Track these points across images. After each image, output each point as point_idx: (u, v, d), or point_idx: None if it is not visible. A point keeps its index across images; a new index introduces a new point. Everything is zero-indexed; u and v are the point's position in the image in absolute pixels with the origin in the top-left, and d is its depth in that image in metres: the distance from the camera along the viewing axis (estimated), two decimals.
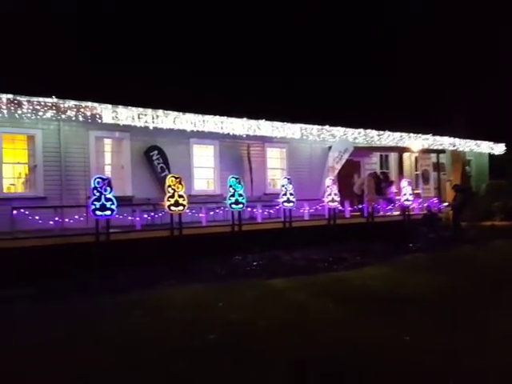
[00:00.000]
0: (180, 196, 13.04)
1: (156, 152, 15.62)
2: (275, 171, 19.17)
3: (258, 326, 7.02)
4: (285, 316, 7.60)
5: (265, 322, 7.21)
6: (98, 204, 11.83)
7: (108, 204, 11.94)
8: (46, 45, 17.96)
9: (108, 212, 11.94)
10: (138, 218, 13.20)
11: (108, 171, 15.25)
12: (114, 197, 11.98)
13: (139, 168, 15.35)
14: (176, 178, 13.06)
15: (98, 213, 11.83)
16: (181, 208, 13.03)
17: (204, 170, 17.20)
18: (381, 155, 22.09)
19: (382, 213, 18.82)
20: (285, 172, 19.21)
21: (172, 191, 12.94)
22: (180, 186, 13.05)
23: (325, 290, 9.46)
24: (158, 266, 11.52)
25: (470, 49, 25.18)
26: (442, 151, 21.97)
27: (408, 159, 22.04)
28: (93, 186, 11.80)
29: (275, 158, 19.21)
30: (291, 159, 19.39)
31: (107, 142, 15.31)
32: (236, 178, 14.26)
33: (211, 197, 16.65)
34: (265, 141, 18.29)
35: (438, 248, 15.04)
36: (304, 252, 13.39)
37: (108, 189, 11.97)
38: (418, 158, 21.38)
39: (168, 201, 12.88)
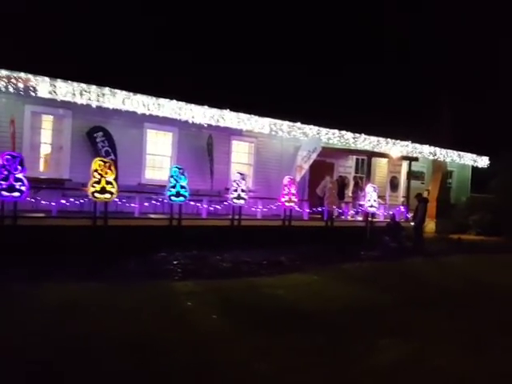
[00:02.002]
0: (108, 182, 10.75)
1: (101, 134, 13.29)
2: (241, 166, 16.76)
3: (96, 339, 5.23)
4: (147, 327, 5.87)
5: (113, 334, 5.45)
6: (4, 184, 9.59)
7: (17, 185, 9.70)
8: None
9: (16, 193, 9.72)
10: (54, 204, 10.87)
11: (45, 151, 12.98)
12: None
13: (80, 150, 13.02)
14: (105, 163, 10.79)
15: (4, 193, 9.60)
16: (108, 196, 10.75)
17: (159, 159, 14.84)
18: (357, 159, 19.66)
19: (343, 217, 16.45)
20: (252, 168, 16.90)
21: (99, 176, 10.65)
22: (109, 171, 10.77)
23: (226, 297, 7.61)
24: (69, 259, 9.27)
25: (463, 57, 22.67)
26: (415, 159, 19.49)
27: (385, 165, 19.48)
28: (0, 163, 9.56)
29: (242, 153, 16.84)
30: (260, 155, 17.02)
31: (46, 118, 12.99)
32: (179, 169, 11.97)
33: (163, 187, 14.26)
34: (231, 133, 15.91)
35: (389, 258, 13.09)
36: (240, 253, 11.25)
37: (19, 167, 9.72)
38: (388, 164, 18.89)
39: (92, 187, 10.59)
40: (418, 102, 23.65)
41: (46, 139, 13.02)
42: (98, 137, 13.26)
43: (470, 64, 23.12)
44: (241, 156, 16.76)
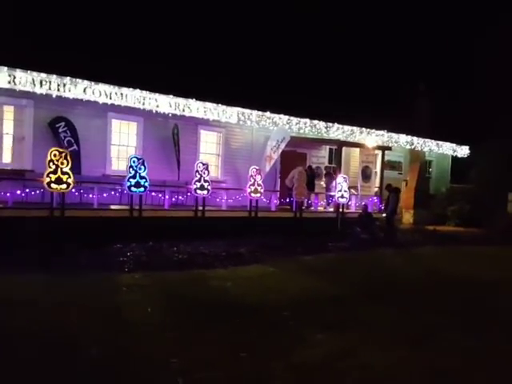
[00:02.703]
0: (64, 173, 10.91)
1: (63, 124, 13.40)
2: (210, 156, 16.96)
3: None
4: (71, 322, 5.90)
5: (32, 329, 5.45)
6: None
7: None
8: None
9: None
10: (8, 194, 11.04)
11: (7, 141, 13.12)
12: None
13: (42, 140, 13.06)
14: (60, 153, 10.91)
15: None
16: (64, 186, 10.90)
17: (124, 149, 14.99)
18: (330, 149, 19.88)
19: (313, 208, 16.71)
20: (220, 158, 17.09)
21: (54, 167, 10.81)
22: (65, 161, 10.91)
23: (169, 290, 7.72)
24: (22, 251, 9.40)
25: (441, 43, 22.92)
26: (388, 148, 19.73)
27: (360, 155, 19.67)
28: None
29: (210, 143, 17.00)
30: (229, 145, 17.18)
31: (7, 109, 13.07)
32: (138, 159, 12.13)
33: None
34: (198, 123, 16.05)
35: (357, 249, 13.23)
36: (200, 245, 11.38)
37: None
38: (360, 154, 19.12)
39: (48, 177, 10.75)
40: (394, 90, 23.90)
41: (8, 130, 13.13)
42: (60, 127, 13.36)
43: (448, 50, 23.39)
44: (209, 146, 16.92)
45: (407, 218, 22.23)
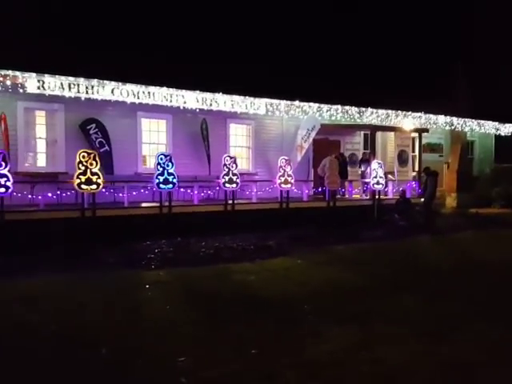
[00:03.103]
0: (94, 173, 11.15)
1: (94, 125, 13.65)
2: (240, 149, 16.92)
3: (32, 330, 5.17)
4: (93, 319, 6.04)
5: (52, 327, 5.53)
6: None
7: (2, 181, 10.21)
8: None
9: (2, 189, 10.21)
10: (40, 197, 11.38)
11: (40, 145, 13.52)
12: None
13: (74, 142, 13.34)
14: (89, 154, 11.16)
15: None
16: (94, 187, 11.14)
17: (154, 147, 15.14)
18: (365, 134, 19.37)
19: (347, 196, 16.37)
20: (251, 151, 17.00)
21: (83, 168, 11.06)
22: (94, 162, 11.16)
23: (192, 285, 7.73)
24: (54, 251, 9.74)
25: (479, 20, 21.79)
26: (425, 130, 19.00)
27: (395, 139, 19.04)
28: None
29: (240, 136, 16.92)
30: (259, 137, 17.02)
31: (40, 113, 13.45)
32: (166, 156, 12.22)
33: None
34: (226, 116, 16.00)
35: (393, 237, 12.88)
36: (229, 239, 11.35)
37: (3, 163, 10.23)
38: (395, 138, 18.50)
39: (78, 178, 11.02)
40: (430, 71, 23.02)
41: (41, 134, 13.53)
42: (91, 129, 13.62)
43: (485, 24, 22.25)
44: (239, 139, 16.84)
45: (450, 201, 21.47)
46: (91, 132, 13.63)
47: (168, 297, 7.07)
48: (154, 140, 15.16)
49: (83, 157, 11.03)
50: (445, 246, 12.09)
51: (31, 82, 12.32)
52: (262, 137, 17.06)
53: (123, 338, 5.44)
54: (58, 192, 11.90)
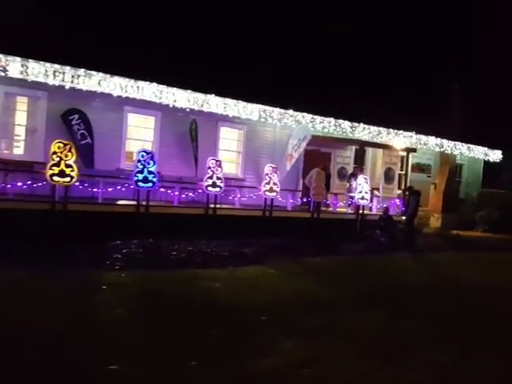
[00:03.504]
0: (68, 166, 10.14)
1: (77, 116, 12.67)
2: (230, 154, 15.97)
3: None
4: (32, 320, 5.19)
5: None
6: None
7: None
8: None
9: None
10: (9, 186, 10.36)
11: (19, 133, 12.49)
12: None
13: (55, 132, 12.25)
14: (65, 145, 10.18)
15: None
16: (67, 179, 10.14)
17: (140, 143, 14.14)
18: (356, 149, 18.50)
19: (331, 209, 15.49)
20: (241, 156, 16.07)
21: (58, 159, 10.06)
22: (69, 153, 10.16)
23: (152, 290, 6.98)
24: (19, 245, 8.71)
25: (475, 44, 21.10)
26: (413, 150, 18.22)
27: (383, 156, 18.18)
28: None
29: (231, 140, 16.00)
30: (250, 142, 16.13)
31: (21, 100, 12.45)
32: (148, 153, 11.25)
33: None
34: (218, 119, 15.09)
35: (372, 253, 12.24)
36: (206, 243, 10.48)
37: None
38: (382, 155, 17.68)
39: (51, 169, 10.01)
40: (425, 92, 22.26)
41: (20, 121, 12.51)
42: (73, 119, 12.65)
43: (481, 50, 21.55)
44: (229, 143, 15.93)
45: (434, 221, 20.68)
46: (73, 123, 12.67)
47: (122, 300, 6.31)
48: (140, 136, 14.23)
49: (58, 147, 10.08)
50: (421, 265, 11.52)
51: (14, 65, 11.38)
52: (253, 143, 16.16)
53: (58, 340, 4.72)
54: (29, 182, 10.82)
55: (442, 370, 4.69)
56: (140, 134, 14.24)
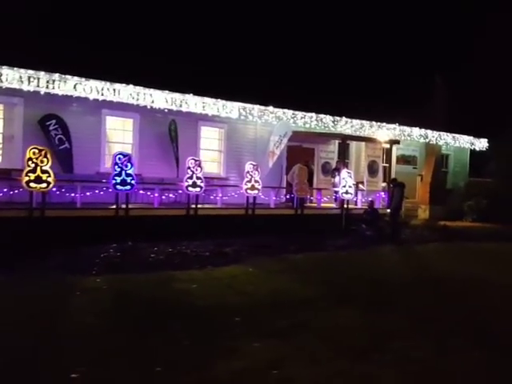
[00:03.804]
0: (44, 171, 10.09)
1: (54, 122, 12.61)
2: (212, 153, 15.97)
3: None
4: None
5: None
6: None
7: None
8: None
9: None
10: None
11: None
12: None
13: (32, 139, 12.14)
14: (40, 150, 10.10)
15: None
16: (44, 185, 10.09)
17: (120, 146, 14.07)
18: (339, 143, 18.52)
19: (315, 204, 15.51)
20: (223, 155, 16.05)
21: (33, 165, 10.01)
22: (45, 159, 10.10)
23: (126, 293, 6.84)
24: None
25: (457, 31, 21.04)
26: (397, 141, 18.22)
27: (365, 150, 18.17)
28: None
29: (212, 139, 15.97)
30: (232, 141, 16.11)
31: None
32: (124, 155, 11.21)
33: None
34: (198, 118, 15.06)
35: (357, 247, 12.16)
36: (187, 244, 10.44)
37: None
38: (365, 148, 17.69)
39: (27, 176, 9.96)
40: (407, 83, 22.29)
41: None
42: (50, 125, 12.58)
43: (463, 37, 21.57)
44: (211, 142, 15.90)
45: (422, 213, 20.75)
46: (51, 128, 12.61)
47: (96, 305, 6.22)
48: (119, 139, 14.18)
49: (34, 153, 9.99)
50: (405, 258, 11.44)
51: None
52: (235, 141, 16.15)
53: (22, 346, 4.68)
54: (5, 189, 10.77)
55: (413, 366, 4.61)
56: (119, 136, 14.18)
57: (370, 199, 15.44)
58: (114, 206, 11.23)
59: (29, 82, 11.77)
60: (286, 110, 16.09)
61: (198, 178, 12.16)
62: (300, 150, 17.15)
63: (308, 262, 9.88)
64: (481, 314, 6.56)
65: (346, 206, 15.02)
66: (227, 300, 6.65)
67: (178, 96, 13.95)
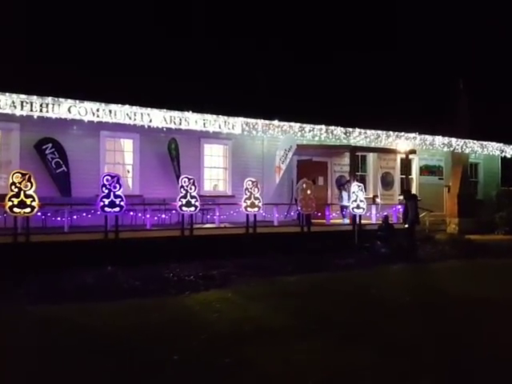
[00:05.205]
0: (28, 196, 9.93)
1: (50, 145, 12.55)
2: (216, 170, 15.56)
3: None
4: None
5: None
6: None
7: None
8: None
9: None
10: None
11: None
12: None
13: (29, 163, 12.17)
14: (23, 175, 9.94)
15: None
16: (27, 210, 9.91)
17: (120, 167, 13.92)
18: (350, 155, 17.67)
19: (325, 221, 14.74)
20: (228, 172, 15.62)
21: (17, 190, 9.86)
22: (29, 183, 9.93)
23: (73, 327, 6.32)
24: None
25: (482, 36, 19.92)
26: (413, 151, 17.20)
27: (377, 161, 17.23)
28: None
29: (216, 156, 15.58)
30: (237, 157, 15.66)
31: None
32: (112, 176, 10.92)
33: (128, 198, 13.23)
34: (200, 136, 14.72)
35: (362, 266, 11.27)
36: (173, 267, 9.89)
37: None
38: (377, 159, 16.78)
39: (10, 201, 9.82)
40: (429, 88, 21.27)
41: None
42: (47, 149, 12.53)
43: (486, 43, 20.48)
44: (215, 160, 15.50)
45: (452, 227, 19.53)
46: (47, 152, 12.55)
47: (36, 340, 5.76)
48: (119, 160, 13.98)
49: (16, 177, 9.83)
50: (412, 278, 10.51)
51: None
52: (240, 157, 15.70)
53: None
54: None
55: None
56: (119, 157, 14.01)
57: (384, 214, 14.55)
58: (113, 229, 10.93)
59: (22, 106, 11.77)
60: (292, 124, 15.53)
61: (192, 196, 11.72)
62: (311, 164, 16.48)
63: (300, 285, 9.14)
64: (491, 350, 5.48)
65: (358, 221, 14.18)
66: (180, 333, 6.02)
67: (176, 114, 13.67)
